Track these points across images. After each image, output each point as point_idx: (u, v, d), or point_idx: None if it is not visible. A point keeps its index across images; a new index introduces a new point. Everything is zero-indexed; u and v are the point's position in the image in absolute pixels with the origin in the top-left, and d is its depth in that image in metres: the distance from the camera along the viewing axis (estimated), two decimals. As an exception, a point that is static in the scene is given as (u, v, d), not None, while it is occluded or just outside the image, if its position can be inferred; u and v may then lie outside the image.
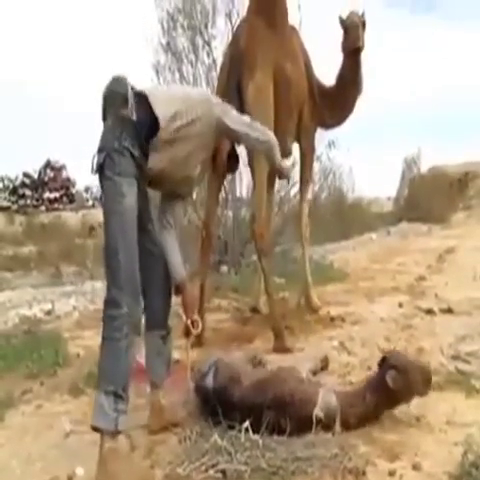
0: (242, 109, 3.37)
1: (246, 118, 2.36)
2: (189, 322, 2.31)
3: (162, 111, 2.04)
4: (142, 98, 2.04)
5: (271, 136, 2.39)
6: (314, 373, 2.55)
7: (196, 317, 2.34)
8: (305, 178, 4.31)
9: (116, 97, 2.02)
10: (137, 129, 1.99)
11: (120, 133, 1.96)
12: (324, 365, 2.72)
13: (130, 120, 1.98)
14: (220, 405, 2.06)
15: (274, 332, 3.32)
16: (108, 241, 1.94)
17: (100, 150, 1.98)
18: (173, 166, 2.15)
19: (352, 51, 3.85)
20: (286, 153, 4.04)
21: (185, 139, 2.13)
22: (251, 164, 3.64)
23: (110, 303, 1.89)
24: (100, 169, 1.97)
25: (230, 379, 2.14)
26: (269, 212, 3.72)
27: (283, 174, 2.66)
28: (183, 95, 2.25)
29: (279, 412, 1.98)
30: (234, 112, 2.32)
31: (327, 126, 4.42)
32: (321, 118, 4.18)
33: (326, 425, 1.99)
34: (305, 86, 3.93)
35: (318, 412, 1.98)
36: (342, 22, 3.84)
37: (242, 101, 3.44)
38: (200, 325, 2.35)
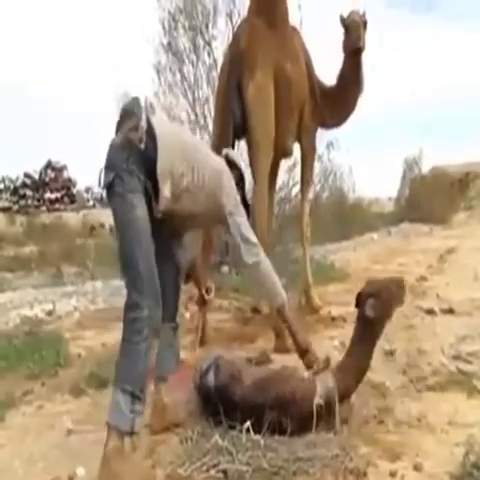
0: (243, 109, 3.45)
1: (246, 230, 2.28)
2: (204, 290, 2.51)
3: (166, 162, 2.03)
4: (151, 132, 2.02)
5: (261, 258, 2.32)
6: (316, 373, 2.55)
7: (209, 284, 2.53)
8: (306, 178, 4.30)
9: (130, 117, 2.03)
10: (143, 158, 2.00)
11: (127, 157, 1.99)
12: (326, 365, 2.71)
13: (137, 147, 1.99)
14: (221, 404, 2.06)
15: (275, 332, 3.32)
16: (124, 250, 1.97)
17: (108, 168, 2.01)
18: (179, 209, 2.17)
19: (353, 51, 3.84)
20: (287, 153, 4.11)
21: (189, 196, 2.15)
22: (251, 164, 3.62)
23: (131, 306, 1.92)
24: (109, 186, 2.00)
25: (231, 377, 2.14)
26: (270, 212, 3.71)
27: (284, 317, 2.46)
28: (192, 148, 2.21)
29: (281, 411, 1.98)
30: (241, 218, 2.27)
31: (328, 126, 4.40)
32: (322, 118, 4.17)
33: (328, 416, 1.99)
34: (306, 86, 3.92)
35: (318, 400, 1.98)
36: (343, 21, 3.82)
37: (242, 101, 3.44)
38: (213, 290, 2.56)
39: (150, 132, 2.02)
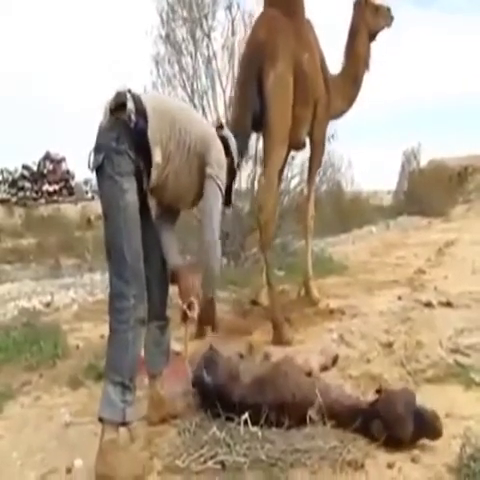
0: (262, 99, 3.42)
1: (215, 207, 2.15)
2: (185, 306, 2.20)
3: (156, 129, 2.00)
4: (141, 108, 1.99)
5: (214, 238, 2.14)
6: (324, 368, 2.56)
7: (192, 299, 2.20)
8: (314, 169, 4.33)
9: (116, 102, 1.99)
10: (133, 134, 1.96)
11: (117, 137, 1.95)
12: (333, 361, 2.72)
13: (127, 125, 1.95)
14: (220, 403, 2.06)
15: (273, 324, 3.32)
16: (111, 236, 1.93)
17: (97, 149, 1.97)
18: (172, 180, 2.13)
19: (376, 32, 4.32)
20: (300, 145, 4.13)
21: (177, 159, 2.10)
22: (265, 154, 3.62)
23: (117, 296, 1.90)
24: (98, 168, 1.96)
25: (229, 376, 2.12)
26: (275, 204, 3.71)
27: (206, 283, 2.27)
28: (185, 116, 2.17)
29: (280, 411, 1.97)
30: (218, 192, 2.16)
31: (339, 113, 4.45)
32: (334, 108, 4.26)
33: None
34: (321, 78, 3.96)
35: (313, 413, 1.97)
36: (370, 3, 4.26)
37: (262, 91, 3.41)
38: (196, 307, 2.22)
39: (140, 108, 1.98)
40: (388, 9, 4.37)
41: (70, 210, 22.22)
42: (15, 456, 2.01)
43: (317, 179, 6.44)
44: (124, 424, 1.85)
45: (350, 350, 3.00)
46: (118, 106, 1.97)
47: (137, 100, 2.00)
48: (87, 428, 2.15)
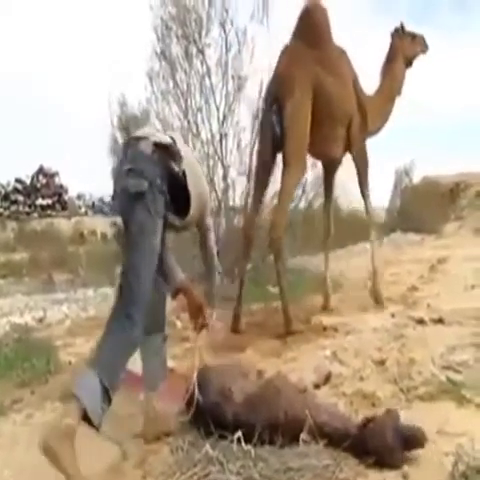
0: (281, 125, 3.85)
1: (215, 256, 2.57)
2: (193, 326, 2.35)
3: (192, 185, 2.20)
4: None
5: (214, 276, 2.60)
6: (316, 386, 2.56)
7: (204, 310, 2.33)
8: (363, 189, 4.65)
9: (160, 140, 2.15)
10: (171, 178, 2.12)
11: (161, 173, 2.08)
12: (327, 380, 2.72)
13: (169, 169, 2.12)
14: (213, 422, 2.06)
15: (284, 319, 3.82)
16: (135, 267, 2.03)
17: (140, 174, 2.04)
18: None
19: (413, 58, 4.75)
20: (333, 161, 4.58)
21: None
22: (282, 177, 3.96)
23: (127, 316, 1.98)
24: (139, 194, 2.03)
25: (221, 395, 2.12)
26: (286, 222, 4.07)
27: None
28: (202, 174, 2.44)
29: (273, 431, 1.97)
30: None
31: (377, 129, 4.77)
32: (373, 124, 4.60)
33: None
34: (352, 100, 4.29)
35: (305, 436, 1.97)
36: (403, 31, 4.68)
37: (281, 118, 3.85)
38: (208, 317, 2.36)
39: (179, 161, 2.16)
40: (423, 39, 4.83)
41: (63, 225, 22.15)
42: (7, 474, 1.99)
43: (311, 195, 6.53)
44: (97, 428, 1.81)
45: (343, 367, 3.00)
46: (161, 145, 2.11)
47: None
48: (79, 443, 2.13)
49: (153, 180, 2.03)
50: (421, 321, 3.94)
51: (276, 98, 3.91)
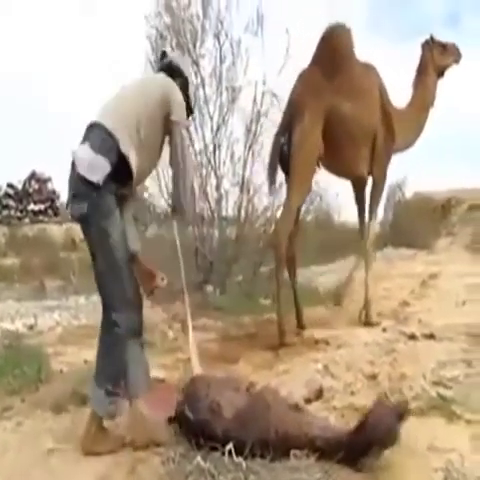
0: (289, 151, 4.12)
1: (185, 151, 2.41)
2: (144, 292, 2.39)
3: (125, 139, 2.21)
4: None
5: (186, 185, 2.41)
6: (308, 400, 2.55)
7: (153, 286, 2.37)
8: (373, 204, 4.72)
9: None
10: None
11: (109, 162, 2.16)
12: (318, 395, 2.71)
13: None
14: (203, 438, 2.05)
15: (278, 330, 3.93)
16: (102, 275, 2.23)
17: (80, 198, 2.16)
18: (146, 159, 2.34)
19: (443, 69, 4.80)
20: (358, 178, 4.67)
21: (148, 133, 2.30)
22: (287, 192, 4.21)
23: (113, 324, 2.21)
24: (83, 218, 2.18)
25: (211, 410, 2.10)
26: (288, 232, 4.17)
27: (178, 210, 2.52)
28: (142, 98, 2.35)
29: (263, 446, 1.96)
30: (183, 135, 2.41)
31: (410, 142, 4.87)
32: (404, 138, 4.69)
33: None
34: (374, 117, 4.38)
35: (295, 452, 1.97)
36: (433, 42, 4.73)
37: (289, 144, 4.11)
38: (159, 279, 2.37)
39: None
40: (456, 48, 4.84)
41: (55, 231, 22.06)
42: (-4, 483, 1.98)
43: (303, 209, 6.57)
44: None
45: (334, 381, 3.01)
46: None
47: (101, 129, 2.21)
48: (70, 455, 2.13)
49: (97, 191, 2.13)
50: (412, 336, 3.96)
51: (288, 123, 4.19)
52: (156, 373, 2.94)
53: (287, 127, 4.20)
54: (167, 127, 2.35)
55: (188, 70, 2.63)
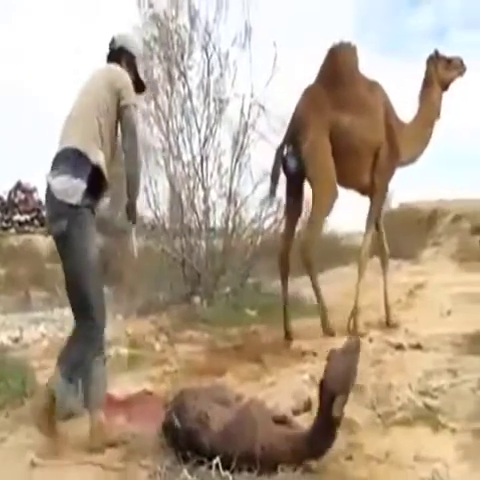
0: (298, 162, 4.31)
1: (135, 136, 2.42)
2: None
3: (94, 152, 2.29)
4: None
5: (136, 170, 2.46)
6: (296, 413, 2.55)
7: None
8: (371, 214, 4.85)
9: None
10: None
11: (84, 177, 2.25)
12: (306, 407, 2.70)
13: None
14: (189, 449, 2.04)
15: (321, 320, 4.45)
16: (78, 288, 2.34)
17: (57, 217, 2.24)
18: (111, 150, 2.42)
19: (448, 83, 4.91)
20: (362, 189, 4.80)
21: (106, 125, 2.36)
22: (312, 205, 4.44)
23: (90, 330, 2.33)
24: (62, 236, 2.25)
25: (198, 421, 2.09)
26: (317, 245, 4.51)
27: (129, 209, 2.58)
28: (96, 104, 2.38)
29: (250, 461, 1.95)
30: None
31: (415, 155, 5.02)
32: (410, 151, 4.85)
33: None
34: (378, 131, 4.55)
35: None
36: (438, 56, 4.87)
37: (298, 155, 4.29)
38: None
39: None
40: (461, 61, 4.96)
41: (41, 242, 21.81)
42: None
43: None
44: None
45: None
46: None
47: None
48: (54, 470, 2.10)
49: (75, 209, 2.22)
50: (399, 346, 3.98)
51: (292, 138, 4.36)
52: (143, 385, 2.93)
53: (291, 140, 4.36)
54: (118, 113, 2.40)
55: (135, 48, 2.65)
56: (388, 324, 4.87)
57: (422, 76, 5.02)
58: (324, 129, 4.30)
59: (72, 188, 2.22)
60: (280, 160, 4.41)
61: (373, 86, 4.69)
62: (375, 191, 4.77)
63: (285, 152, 4.40)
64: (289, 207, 4.73)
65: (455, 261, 14.98)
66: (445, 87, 5.02)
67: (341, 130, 4.33)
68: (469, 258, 14.23)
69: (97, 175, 2.29)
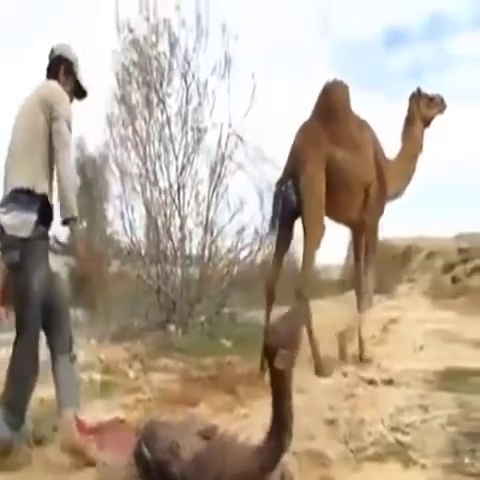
0: (297, 196, 4.34)
1: (68, 160, 2.40)
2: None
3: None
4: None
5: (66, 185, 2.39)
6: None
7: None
8: (368, 251, 5.05)
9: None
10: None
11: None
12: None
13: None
14: (160, 478, 2.02)
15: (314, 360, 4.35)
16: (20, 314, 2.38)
17: (9, 248, 2.31)
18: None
19: (429, 119, 5.10)
20: (354, 223, 4.92)
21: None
22: (304, 239, 4.48)
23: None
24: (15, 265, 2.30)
25: (169, 451, 2.05)
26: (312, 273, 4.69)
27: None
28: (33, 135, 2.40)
29: None
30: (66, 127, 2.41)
31: (401, 190, 5.17)
32: (395, 187, 4.99)
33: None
34: (369, 168, 4.69)
35: None
36: (420, 94, 5.04)
37: (297, 189, 4.34)
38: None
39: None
40: (441, 99, 5.14)
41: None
42: None
43: (267, 251, 6.65)
44: None
45: (294, 426, 2.99)
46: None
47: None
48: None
49: (27, 241, 2.26)
50: (372, 381, 4.01)
51: (291, 173, 4.44)
52: (116, 413, 2.89)
53: (290, 175, 4.44)
54: (51, 127, 2.39)
55: (73, 55, 2.65)
56: (361, 359, 4.89)
57: (403, 112, 5.22)
58: (321, 162, 4.39)
59: (21, 222, 2.27)
60: (280, 194, 4.48)
61: (362, 124, 4.83)
62: (366, 230, 4.91)
63: (284, 187, 4.46)
64: (281, 238, 4.73)
65: (428, 297, 15.19)
66: (427, 124, 5.21)
67: (336, 163, 4.43)
68: (441, 295, 14.45)
69: (47, 203, 2.36)
